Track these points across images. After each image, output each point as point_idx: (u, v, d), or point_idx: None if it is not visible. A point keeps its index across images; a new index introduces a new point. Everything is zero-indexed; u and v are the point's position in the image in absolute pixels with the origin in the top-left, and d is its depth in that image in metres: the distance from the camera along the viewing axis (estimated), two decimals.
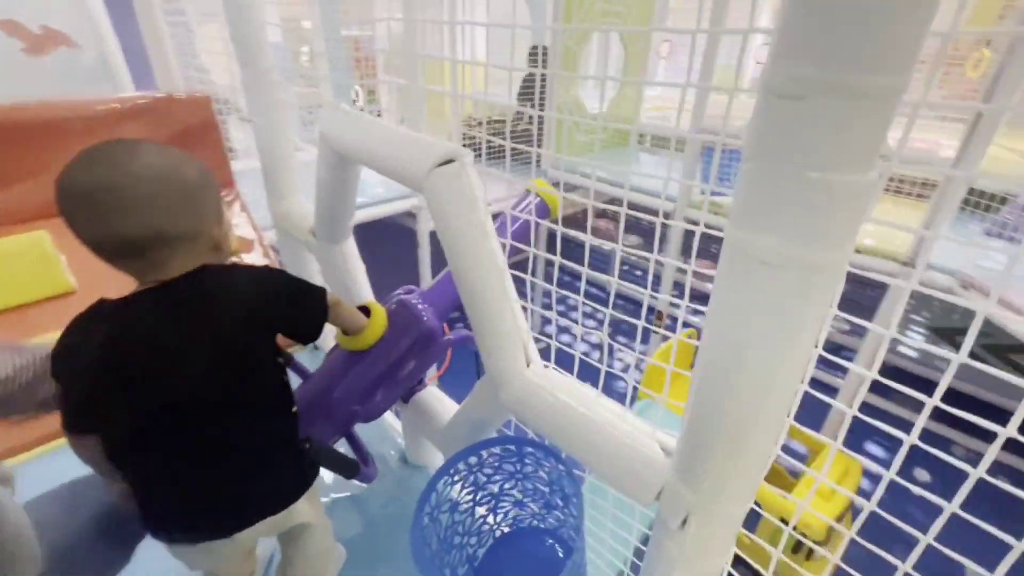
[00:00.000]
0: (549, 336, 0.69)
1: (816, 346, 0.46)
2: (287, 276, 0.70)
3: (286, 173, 1.14)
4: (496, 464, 0.79)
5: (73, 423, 0.60)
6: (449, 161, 0.67)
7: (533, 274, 0.76)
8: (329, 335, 1.21)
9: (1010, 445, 0.39)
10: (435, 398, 1.00)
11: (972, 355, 0.41)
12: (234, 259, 0.72)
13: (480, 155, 2.76)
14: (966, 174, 1.44)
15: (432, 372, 1.04)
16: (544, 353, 0.74)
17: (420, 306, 0.88)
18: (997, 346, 2.41)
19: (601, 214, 4.27)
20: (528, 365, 0.71)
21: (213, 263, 0.63)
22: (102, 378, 0.58)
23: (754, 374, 0.43)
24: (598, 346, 3.23)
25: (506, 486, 0.82)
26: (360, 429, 0.93)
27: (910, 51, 0.31)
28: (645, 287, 0.63)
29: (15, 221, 1.25)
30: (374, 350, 0.85)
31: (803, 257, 0.36)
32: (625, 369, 3.00)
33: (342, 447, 0.86)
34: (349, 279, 1.08)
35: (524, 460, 0.78)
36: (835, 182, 0.33)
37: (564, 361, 0.71)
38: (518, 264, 0.71)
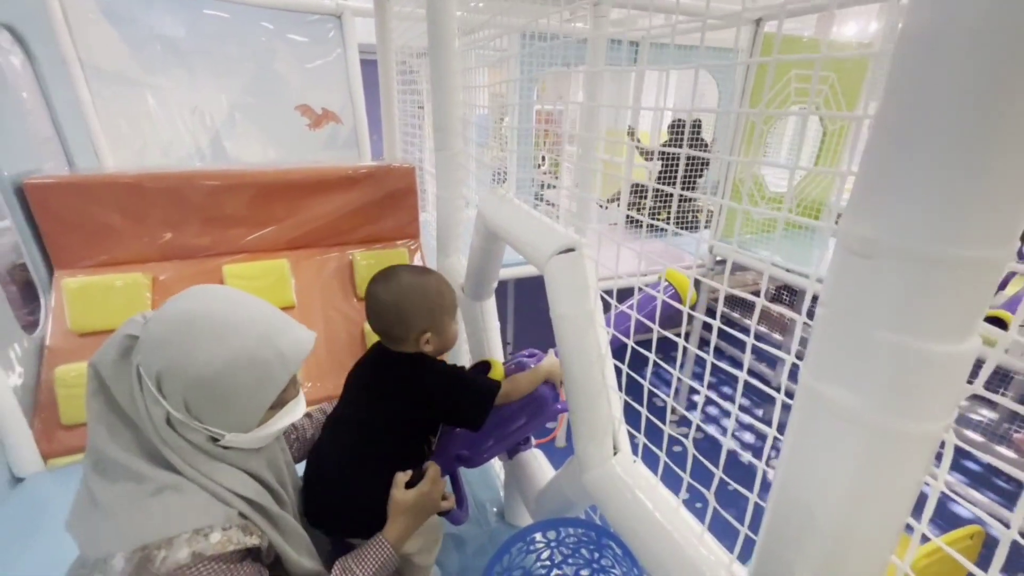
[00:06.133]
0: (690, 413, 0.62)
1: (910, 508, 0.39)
2: (451, 384, 0.85)
3: (455, 238, 1.36)
4: (574, 546, 0.78)
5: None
6: (569, 250, 0.74)
7: (684, 352, 0.67)
8: None
9: None
10: (537, 461, 1.04)
11: None
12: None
13: (641, 224, 2.78)
14: None
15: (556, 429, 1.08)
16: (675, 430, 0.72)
17: None
18: None
19: (775, 298, 3.84)
20: (615, 453, 0.71)
21: (429, 354, 0.86)
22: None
23: (826, 534, 0.38)
24: (750, 446, 2.84)
25: (582, 573, 0.81)
26: (467, 474, 1.01)
27: (1012, 223, 0.27)
28: None
29: (269, 250, 1.72)
30: None
31: (877, 422, 0.33)
32: None
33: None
34: (484, 333, 1.21)
35: (602, 551, 0.76)
36: (913, 348, 0.31)
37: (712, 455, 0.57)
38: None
